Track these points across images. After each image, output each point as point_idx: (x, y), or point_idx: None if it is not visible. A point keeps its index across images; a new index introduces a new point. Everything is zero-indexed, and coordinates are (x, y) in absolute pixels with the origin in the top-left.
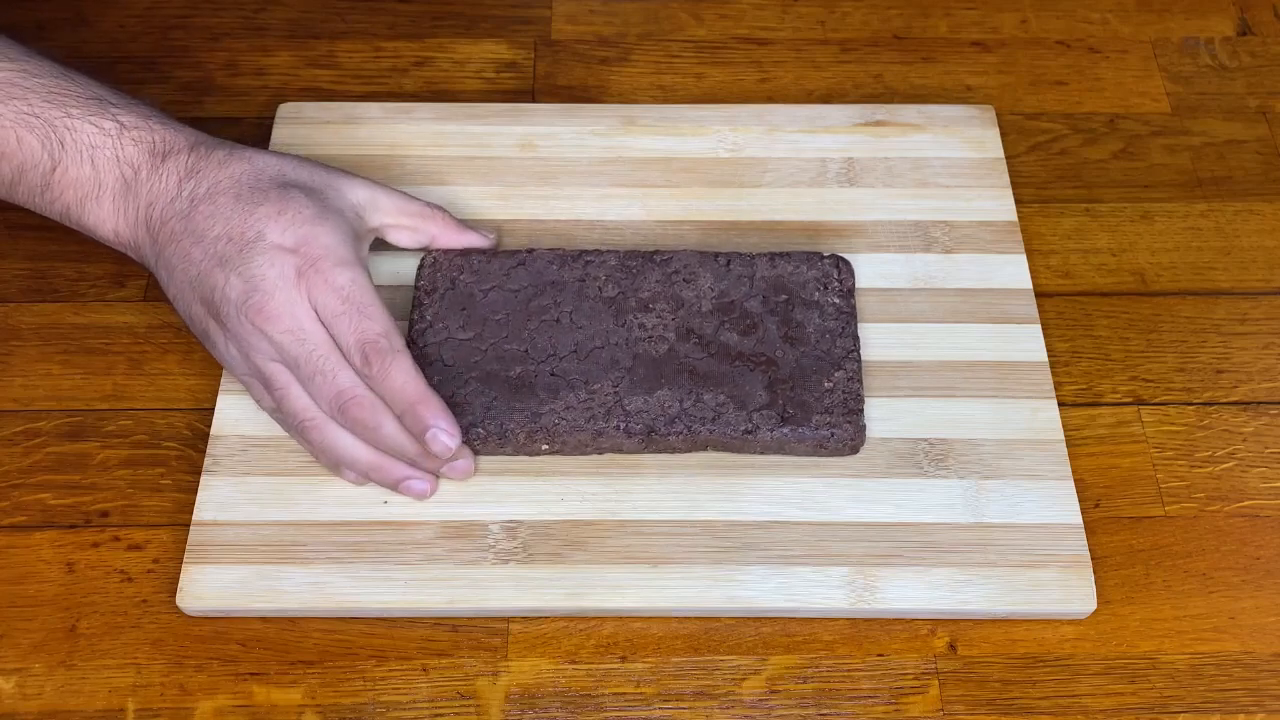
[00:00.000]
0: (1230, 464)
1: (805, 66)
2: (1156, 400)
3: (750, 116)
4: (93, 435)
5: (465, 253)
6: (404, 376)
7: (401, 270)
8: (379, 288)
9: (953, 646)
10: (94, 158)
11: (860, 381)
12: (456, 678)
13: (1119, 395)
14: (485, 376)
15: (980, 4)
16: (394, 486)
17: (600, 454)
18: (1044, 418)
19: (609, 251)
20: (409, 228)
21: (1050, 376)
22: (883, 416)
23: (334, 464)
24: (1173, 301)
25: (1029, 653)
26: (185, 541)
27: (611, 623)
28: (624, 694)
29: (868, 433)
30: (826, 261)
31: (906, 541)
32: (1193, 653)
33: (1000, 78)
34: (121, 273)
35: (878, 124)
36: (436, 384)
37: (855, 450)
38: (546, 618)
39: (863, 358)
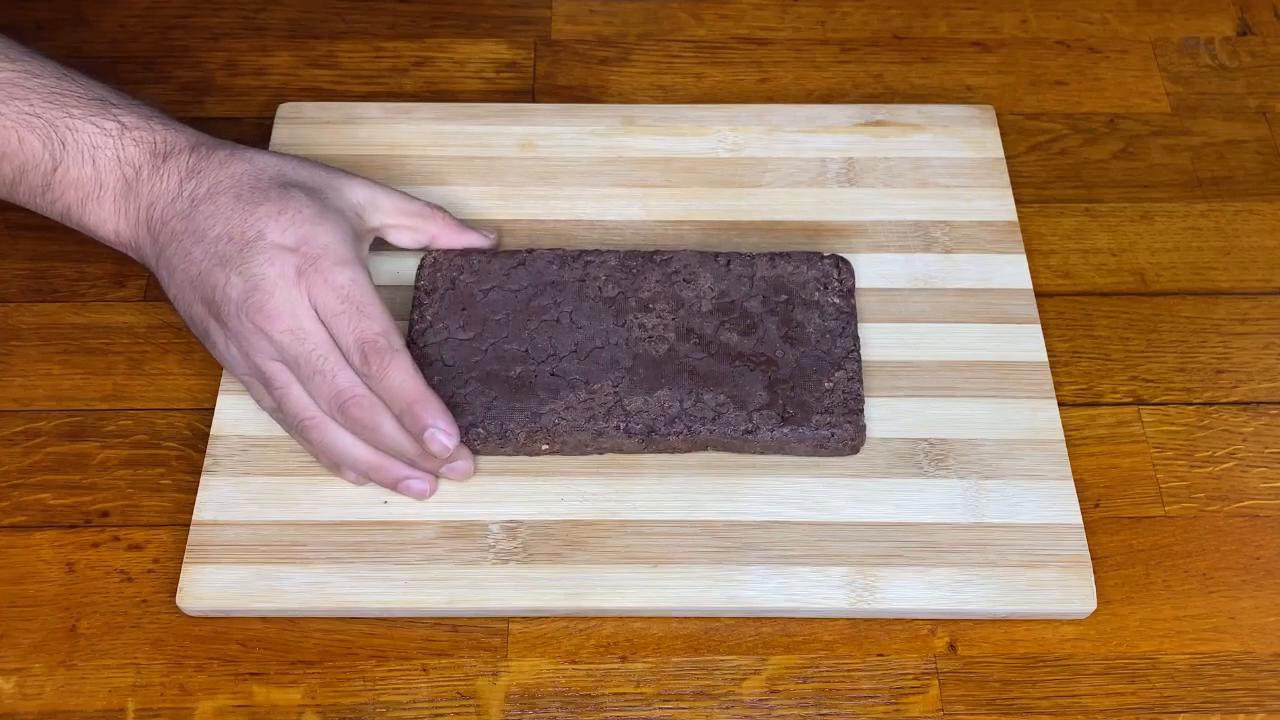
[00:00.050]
0: (1230, 464)
1: (805, 66)
2: (1156, 400)
3: (750, 116)
4: (93, 435)
5: (465, 253)
6: (402, 376)
7: (401, 270)
8: (379, 288)
9: (953, 646)
10: (95, 158)
11: (860, 381)
12: (456, 678)
13: (1119, 395)
14: (485, 376)
15: (980, 4)
16: (393, 486)
17: (600, 454)
18: (1044, 418)
19: (609, 251)
20: (409, 228)
21: (1050, 376)
22: (883, 416)
23: (334, 464)
24: (1173, 301)
25: (1029, 653)
26: (185, 541)
27: (611, 623)
28: (624, 694)
29: (868, 433)
30: (826, 261)
31: (906, 541)
32: (1193, 653)
33: (1000, 78)
34: (121, 273)
35: (878, 124)
36: (436, 384)
37: (855, 450)
38: (546, 618)
39: (863, 358)
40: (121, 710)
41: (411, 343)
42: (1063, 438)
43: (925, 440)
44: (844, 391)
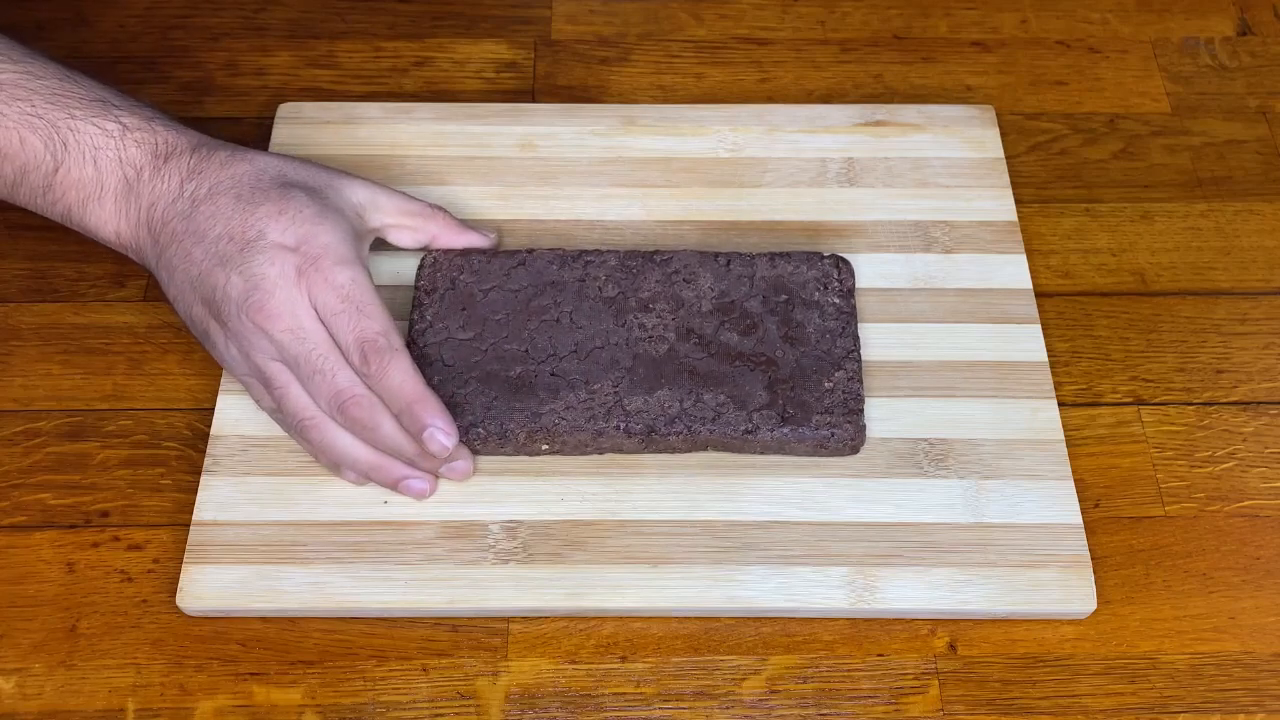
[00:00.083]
0: (1230, 464)
1: (805, 66)
2: (1156, 400)
3: (750, 116)
4: (93, 435)
5: (465, 253)
6: (402, 376)
7: (401, 270)
8: (379, 288)
9: (953, 646)
10: (96, 159)
11: (860, 381)
12: (456, 678)
13: (1119, 395)
14: (485, 376)
15: (980, 4)
16: (393, 486)
17: (600, 454)
18: (1044, 418)
19: (609, 251)
20: (409, 228)
21: (1050, 376)
22: (883, 416)
23: (333, 464)
24: (1173, 301)
25: (1029, 653)
26: (185, 541)
27: (611, 623)
28: (624, 694)
29: (868, 433)
30: (826, 261)
31: (906, 541)
32: (1193, 653)
33: (1000, 78)
34: (121, 273)
35: (878, 124)
36: (436, 384)
37: (855, 450)
38: (546, 618)
39: (863, 358)
40: (121, 710)
41: (411, 343)
42: (1063, 438)
43: (925, 440)
44: (844, 391)
